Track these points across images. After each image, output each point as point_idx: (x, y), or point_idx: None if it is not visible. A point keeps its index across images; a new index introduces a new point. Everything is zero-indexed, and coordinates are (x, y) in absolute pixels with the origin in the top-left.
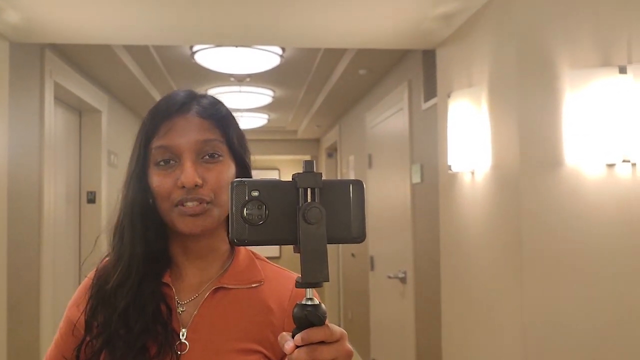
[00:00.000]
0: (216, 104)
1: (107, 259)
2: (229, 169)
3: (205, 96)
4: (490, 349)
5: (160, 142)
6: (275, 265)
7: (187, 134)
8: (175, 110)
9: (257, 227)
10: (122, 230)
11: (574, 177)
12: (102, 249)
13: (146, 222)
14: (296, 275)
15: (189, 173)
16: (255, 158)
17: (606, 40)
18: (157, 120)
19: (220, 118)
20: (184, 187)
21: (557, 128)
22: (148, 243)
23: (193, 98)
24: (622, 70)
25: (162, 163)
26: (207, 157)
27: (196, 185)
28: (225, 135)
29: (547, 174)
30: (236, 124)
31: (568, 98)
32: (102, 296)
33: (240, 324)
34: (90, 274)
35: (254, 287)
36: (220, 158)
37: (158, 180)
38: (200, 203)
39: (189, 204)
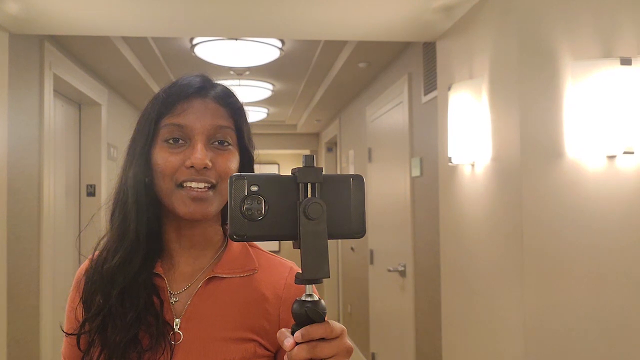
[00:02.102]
0: (232, 94)
1: (97, 252)
2: (235, 159)
3: (220, 84)
4: (490, 342)
5: (173, 120)
6: (269, 253)
7: (203, 116)
8: (193, 92)
9: (257, 223)
10: (125, 207)
11: (575, 169)
12: (96, 225)
13: (148, 200)
14: (290, 262)
15: (201, 154)
16: (255, 152)
17: (607, 31)
18: (173, 98)
19: (236, 109)
20: (192, 167)
21: (558, 120)
22: (150, 221)
23: (210, 84)
24: (624, 61)
25: (171, 141)
26: (216, 143)
27: (205, 168)
28: (237, 125)
29: (548, 165)
30: (246, 118)
31: (569, 89)
32: (100, 277)
33: (234, 313)
34: (82, 267)
35: (248, 275)
36: (229, 147)
37: (164, 157)
38: (205, 186)
39: (194, 184)
